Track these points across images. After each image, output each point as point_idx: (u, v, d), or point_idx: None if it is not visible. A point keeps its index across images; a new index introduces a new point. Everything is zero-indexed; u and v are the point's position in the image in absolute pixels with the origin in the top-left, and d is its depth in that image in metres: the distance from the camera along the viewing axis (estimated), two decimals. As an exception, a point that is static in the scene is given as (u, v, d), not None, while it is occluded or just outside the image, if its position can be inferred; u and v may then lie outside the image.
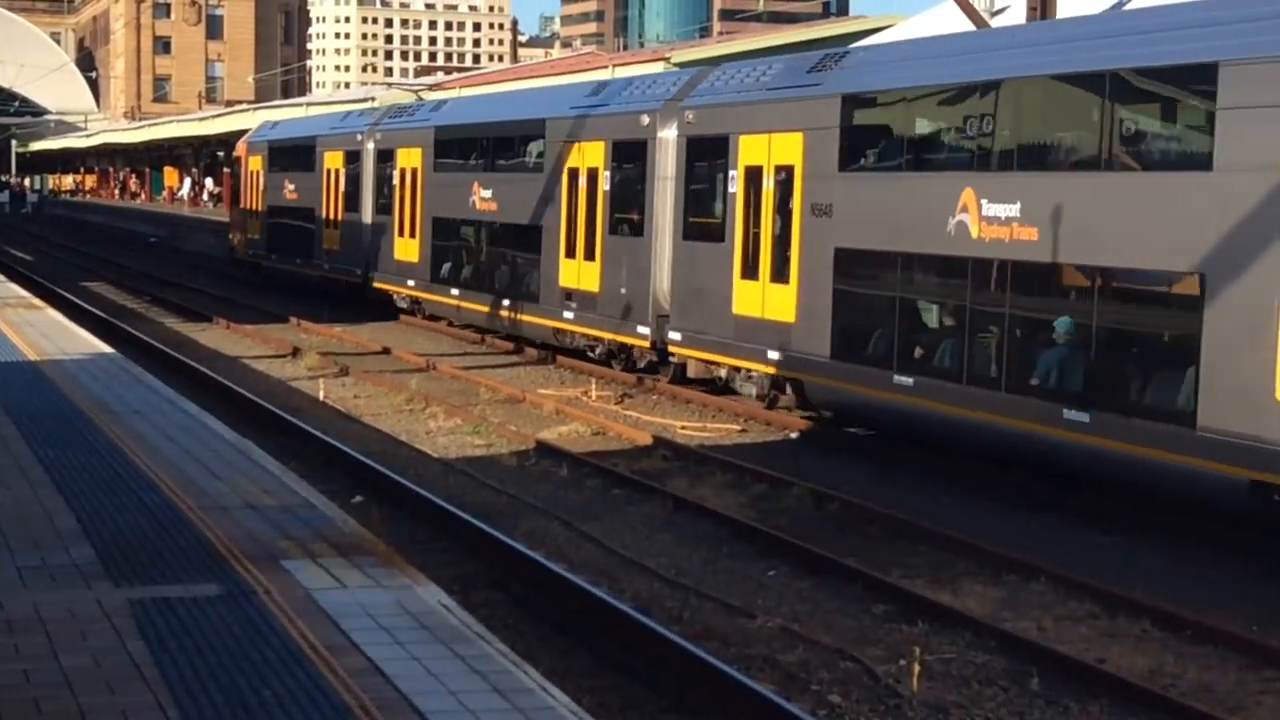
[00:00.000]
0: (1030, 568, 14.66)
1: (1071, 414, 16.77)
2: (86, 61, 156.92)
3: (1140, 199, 16.25)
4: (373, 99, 62.07)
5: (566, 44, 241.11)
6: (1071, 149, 17.64)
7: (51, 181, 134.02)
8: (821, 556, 14.95)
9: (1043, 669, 11.87)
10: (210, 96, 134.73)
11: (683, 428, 22.80)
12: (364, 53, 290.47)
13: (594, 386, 26.30)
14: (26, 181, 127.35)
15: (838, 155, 21.05)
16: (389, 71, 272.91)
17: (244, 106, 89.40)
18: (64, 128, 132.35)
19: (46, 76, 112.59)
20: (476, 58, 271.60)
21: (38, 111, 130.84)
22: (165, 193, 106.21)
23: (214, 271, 52.56)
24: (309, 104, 74.37)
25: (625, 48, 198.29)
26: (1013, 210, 17.73)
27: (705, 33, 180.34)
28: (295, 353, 30.79)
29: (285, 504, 12.21)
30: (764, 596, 13.94)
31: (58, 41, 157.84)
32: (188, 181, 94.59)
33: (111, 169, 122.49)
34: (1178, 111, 16.48)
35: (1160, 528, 16.51)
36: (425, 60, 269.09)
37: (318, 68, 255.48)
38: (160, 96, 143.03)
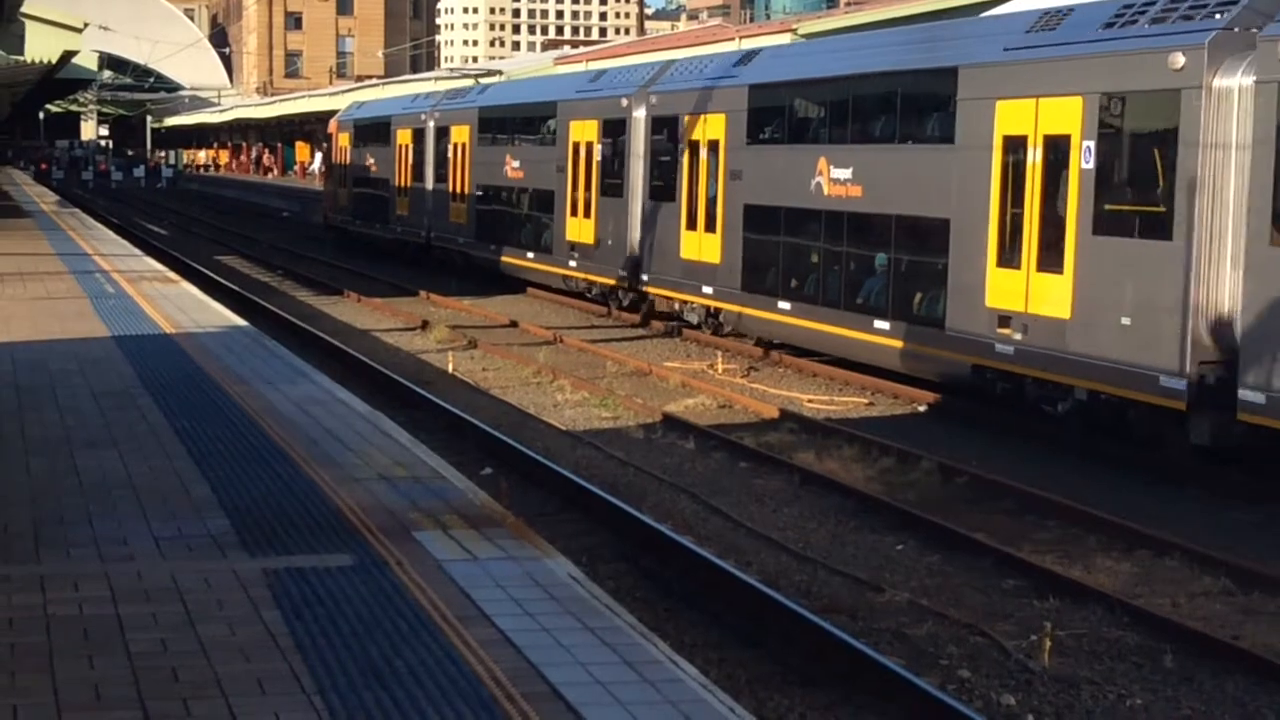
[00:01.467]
0: (1164, 543, 14.46)
1: (878, 324, 22.77)
2: (219, 38, 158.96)
3: (916, 165, 22.07)
4: (437, 78, 66.41)
5: (693, 16, 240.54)
6: (880, 128, 23.36)
7: (185, 156, 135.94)
8: (950, 531, 14.84)
9: (1176, 645, 11.71)
10: (340, 72, 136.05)
11: (809, 401, 22.71)
12: (491, 27, 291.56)
13: (720, 359, 26.25)
14: (161, 156, 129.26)
15: (745, 131, 26.98)
16: (516, 46, 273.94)
17: (373, 81, 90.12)
18: (198, 103, 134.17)
19: (180, 53, 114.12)
20: (603, 31, 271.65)
21: (172, 88, 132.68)
22: (297, 167, 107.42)
23: (344, 246, 53.07)
24: (383, 84, 76.70)
25: (752, 20, 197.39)
26: (848, 174, 23.76)
27: (832, 4, 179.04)
28: (424, 326, 31.03)
29: (416, 475, 12.29)
30: (892, 570, 13.87)
31: (191, 18, 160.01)
32: (318, 156, 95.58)
33: (244, 144, 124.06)
34: (937, 101, 21.78)
35: (1297, 503, 16.22)
36: (552, 34, 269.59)
37: (446, 42, 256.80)
38: (292, 72, 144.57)
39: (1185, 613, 12.63)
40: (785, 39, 44.01)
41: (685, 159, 28.91)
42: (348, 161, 52.52)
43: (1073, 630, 12.10)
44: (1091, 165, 18.52)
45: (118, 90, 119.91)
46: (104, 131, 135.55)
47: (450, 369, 25.51)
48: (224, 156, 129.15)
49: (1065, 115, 18.91)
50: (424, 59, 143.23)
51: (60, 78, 49.67)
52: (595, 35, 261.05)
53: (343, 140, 53.27)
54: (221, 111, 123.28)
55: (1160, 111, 17.64)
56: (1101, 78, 18.41)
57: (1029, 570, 13.66)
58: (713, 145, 27.91)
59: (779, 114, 26.31)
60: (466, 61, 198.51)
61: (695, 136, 28.52)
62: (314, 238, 57.28)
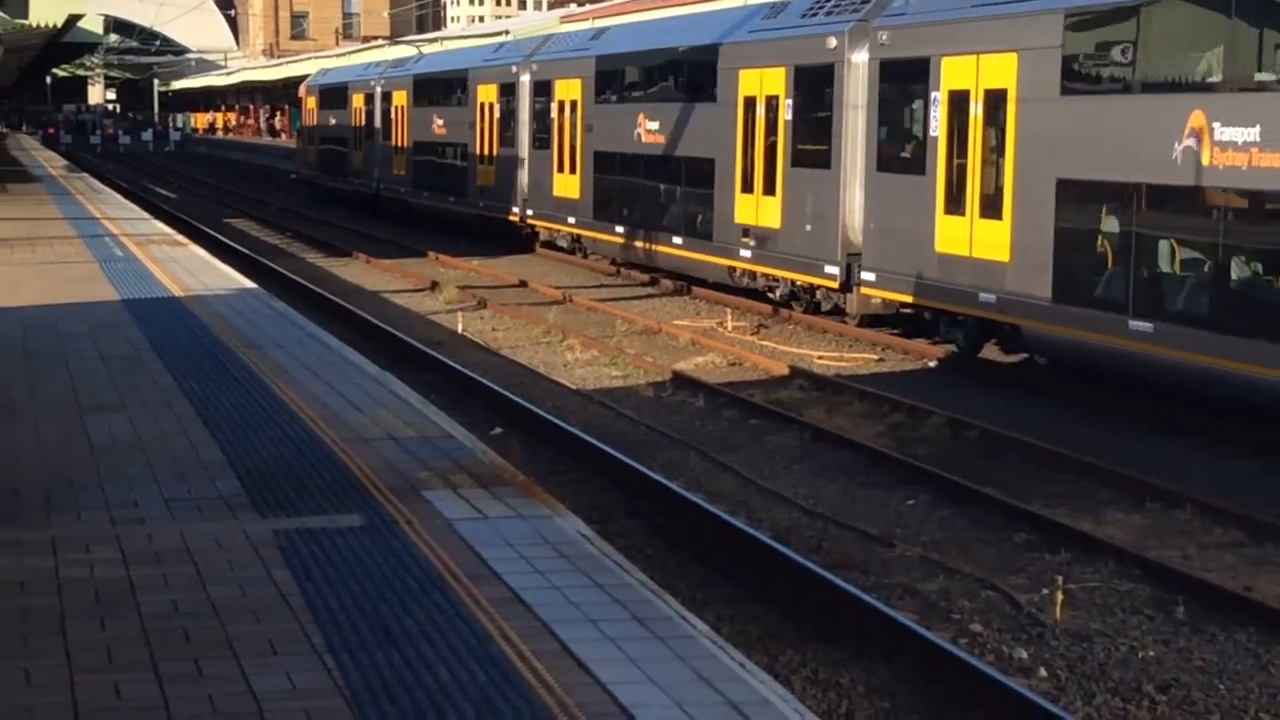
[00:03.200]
0: (1174, 495, 14.45)
1: (675, 239, 29.72)
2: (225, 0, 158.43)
3: (694, 119, 29.08)
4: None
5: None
6: (673, 90, 30.48)
7: (193, 119, 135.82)
8: (961, 485, 14.85)
9: (1188, 597, 11.71)
10: (347, 33, 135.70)
11: (819, 357, 22.71)
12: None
13: (730, 317, 26.23)
14: (169, 120, 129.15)
15: (595, 93, 34.04)
16: (523, 4, 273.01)
17: (379, 42, 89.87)
18: (204, 66, 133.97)
19: (186, 16, 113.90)
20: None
21: (178, 50, 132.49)
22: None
23: (353, 206, 53.06)
24: (348, 53, 78.45)
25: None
26: (656, 126, 30.74)
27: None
28: (434, 287, 31.03)
29: (426, 436, 12.30)
30: (903, 525, 13.88)
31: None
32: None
33: (251, 106, 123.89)
34: (705, 69, 28.67)
35: (1309, 455, 16.20)
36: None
37: (452, 1, 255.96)
38: (298, 33, 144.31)
39: (1196, 564, 12.63)
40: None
41: (555, 116, 35.87)
42: (315, 123, 59.37)
43: (1084, 583, 12.10)
44: (791, 117, 25.92)
45: (124, 54, 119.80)
46: (111, 95, 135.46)
47: (460, 329, 25.52)
48: (227, 120, 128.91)
49: (776, 81, 26.26)
50: (430, 18, 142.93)
51: (66, 41, 49.63)
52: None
53: (310, 103, 60.17)
54: (228, 74, 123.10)
55: (823, 79, 24.89)
56: (795, 54, 25.73)
57: (1040, 523, 13.66)
58: (574, 105, 34.89)
59: (615, 79, 33.45)
60: (473, 21, 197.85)
61: (562, 97, 35.53)
62: (323, 199, 57.27)
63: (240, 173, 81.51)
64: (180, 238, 32.45)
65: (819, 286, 25.13)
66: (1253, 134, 16.31)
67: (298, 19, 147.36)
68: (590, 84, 34.10)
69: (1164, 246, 17.72)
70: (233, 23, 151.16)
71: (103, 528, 9.48)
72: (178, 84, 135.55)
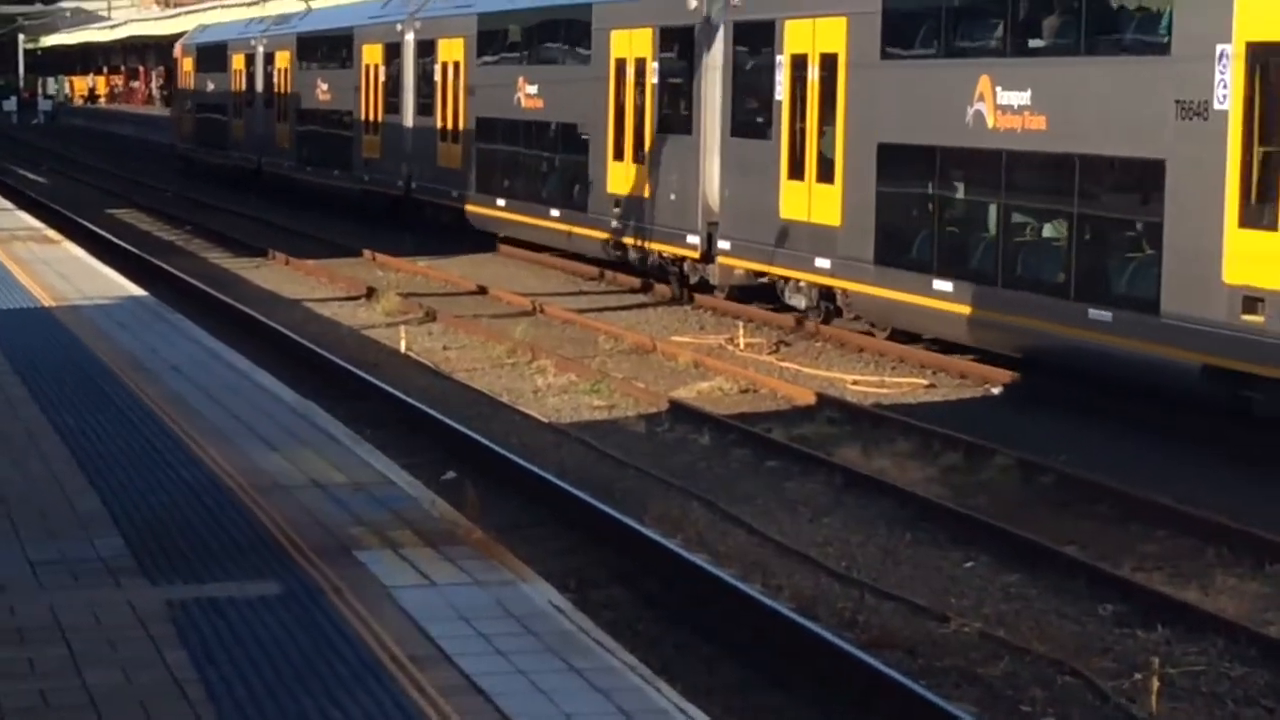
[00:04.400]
0: (1301, 557, 14.48)
1: (553, 212, 34.09)
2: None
3: (569, 81, 33.47)
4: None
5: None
6: (554, 55, 34.95)
7: (69, 85, 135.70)
8: (1033, 544, 14.84)
9: (1317, 685, 11.72)
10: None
11: (854, 383, 22.72)
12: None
13: (742, 332, 26.28)
14: (39, 85, 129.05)
15: (476, 53, 38.34)
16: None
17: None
18: (82, 18, 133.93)
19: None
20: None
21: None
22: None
23: (272, 193, 53.11)
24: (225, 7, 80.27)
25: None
26: (535, 90, 35.38)
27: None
28: (370, 294, 31.06)
29: (359, 482, 12.29)
30: (960, 594, 13.87)
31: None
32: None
33: (141, 68, 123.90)
34: (580, 30, 33.21)
35: None
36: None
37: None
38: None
39: (1328, 643, 12.65)
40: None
41: (439, 79, 39.76)
42: (192, 87, 64.22)
43: (1186, 668, 12.11)
44: (656, 81, 30.25)
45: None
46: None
47: (403, 347, 25.53)
48: (111, 85, 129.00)
49: (644, 43, 30.55)
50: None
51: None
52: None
53: (186, 65, 64.99)
54: (113, 27, 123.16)
55: (685, 41, 29.17)
56: (660, 15, 30.06)
57: (1131, 592, 13.65)
58: (456, 67, 38.76)
59: (496, 39, 37.48)
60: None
61: (445, 59, 39.40)
62: (234, 184, 57.33)
63: (127, 151, 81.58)
64: (51, 233, 32.44)
65: (683, 258, 29.80)
66: (1024, 98, 21.43)
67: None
68: (472, 44, 38.24)
69: (960, 208, 23.31)
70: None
71: (-49, 598, 9.46)
72: (49, 39, 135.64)
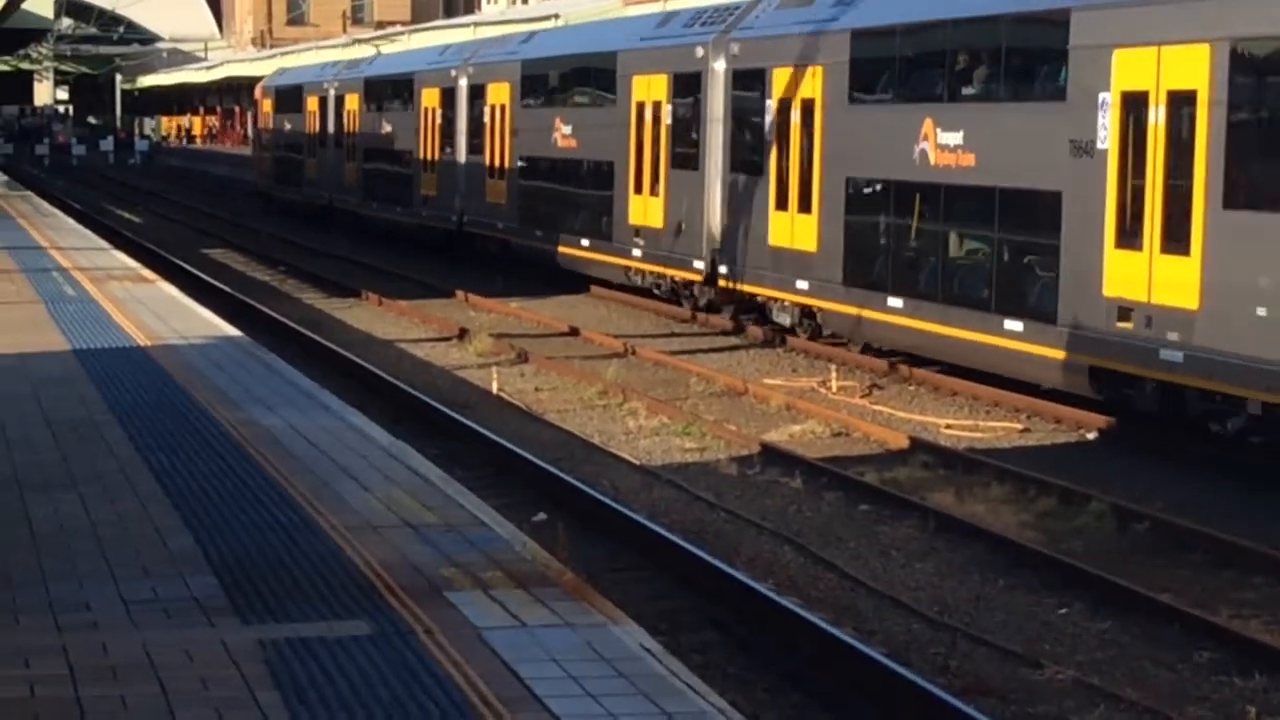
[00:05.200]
0: (1401, 605, 14.33)
1: (583, 241, 37.31)
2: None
3: (598, 122, 37.12)
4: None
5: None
6: (585, 94, 38.44)
7: (165, 125, 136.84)
8: (1127, 590, 14.75)
9: None
10: (357, 18, 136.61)
11: (947, 426, 22.65)
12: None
13: (834, 375, 26.23)
14: (135, 125, 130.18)
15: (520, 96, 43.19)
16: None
17: (398, 29, 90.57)
18: (179, 58, 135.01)
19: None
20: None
21: (147, 39, 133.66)
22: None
23: (363, 234, 53.40)
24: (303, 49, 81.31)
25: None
26: (570, 130, 38.95)
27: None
28: (462, 335, 31.15)
29: (450, 522, 12.32)
30: (1053, 641, 13.80)
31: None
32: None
33: (236, 109, 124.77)
34: (607, 76, 37.13)
35: None
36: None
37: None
38: (296, 18, 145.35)
39: None
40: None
41: (488, 120, 43.74)
42: (271, 127, 68.23)
43: (1284, 716, 12.01)
44: (670, 122, 33.80)
45: (80, 43, 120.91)
46: (63, 95, 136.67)
47: (495, 389, 25.59)
48: (206, 125, 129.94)
49: (660, 87, 34.20)
50: (460, 1, 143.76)
51: (8, 28, 50.17)
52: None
53: (266, 106, 69.13)
54: (209, 68, 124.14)
55: (694, 86, 32.71)
56: (674, 62, 33.57)
57: (1228, 639, 13.54)
58: (503, 109, 42.73)
59: (538, 83, 41.40)
60: (514, 2, 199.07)
61: (494, 101, 43.34)
62: (327, 225, 57.68)
63: (223, 191, 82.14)
64: (147, 273, 32.70)
65: (691, 281, 33.11)
66: (958, 138, 25.02)
67: (295, 0, 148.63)
68: (517, 88, 42.16)
69: (909, 232, 26.40)
70: (215, 5, 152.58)
71: (46, 636, 9.53)
72: (146, 80, 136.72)
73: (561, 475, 18.67)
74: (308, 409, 17.23)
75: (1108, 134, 21.36)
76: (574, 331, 31.91)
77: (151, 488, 13.34)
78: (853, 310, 27.25)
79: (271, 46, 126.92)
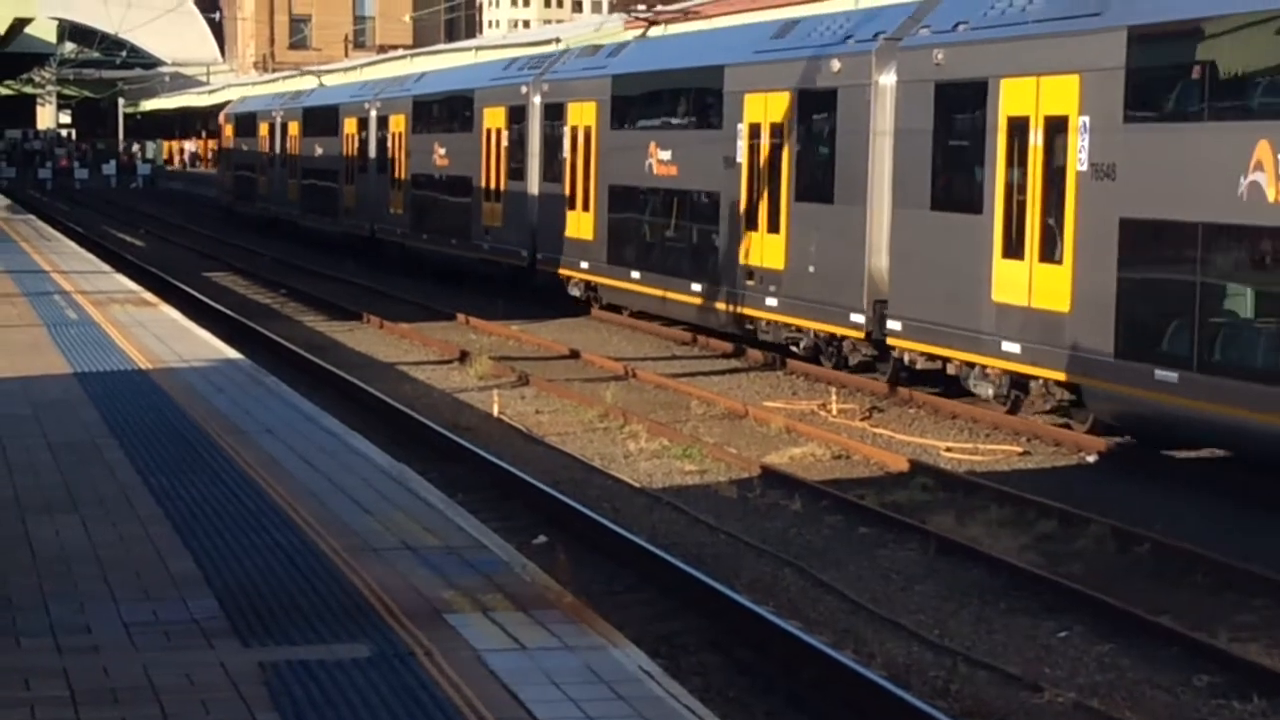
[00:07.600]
0: (1400, 629, 14.32)
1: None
2: (208, 2, 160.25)
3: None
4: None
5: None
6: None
7: (166, 149, 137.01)
8: (1127, 613, 14.74)
9: None
10: (359, 41, 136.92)
11: (947, 449, 22.64)
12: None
13: (835, 398, 26.23)
14: (135, 149, 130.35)
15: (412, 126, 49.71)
16: (578, 6, 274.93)
17: (400, 53, 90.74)
18: (181, 82, 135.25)
19: (160, 20, 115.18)
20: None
21: (149, 63, 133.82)
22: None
23: (365, 256, 53.42)
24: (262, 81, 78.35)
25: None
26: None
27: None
28: (463, 357, 31.16)
29: (451, 545, 12.32)
30: (1053, 664, 13.79)
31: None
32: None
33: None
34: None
35: None
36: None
37: (490, 3, 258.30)
38: (298, 42, 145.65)
39: None
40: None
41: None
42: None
43: (1284, 739, 11.99)
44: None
45: (82, 67, 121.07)
46: (65, 119, 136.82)
47: (495, 411, 25.59)
48: (209, 149, 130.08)
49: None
50: (461, 24, 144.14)
51: (10, 52, 50.22)
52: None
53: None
54: (211, 92, 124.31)
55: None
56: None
57: (1228, 663, 13.53)
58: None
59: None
60: (515, 26, 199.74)
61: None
62: (330, 248, 57.71)
63: (224, 215, 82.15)
64: (148, 296, 32.71)
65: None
66: (669, 155, 33.60)
67: (298, 24, 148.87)
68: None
69: (643, 224, 35.15)
70: (218, 29, 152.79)
71: (46, 658, 9.54)
72: (148, 104, 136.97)
73: (562, 498, 18.67)
74: (309, 432, 17.23)
75: (742, 152, 30.44)
76: (574, 354, 31.93)
77: (152, 510, 13.35)
78: (614, 283, 35.90)
79: (274, 70, 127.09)
